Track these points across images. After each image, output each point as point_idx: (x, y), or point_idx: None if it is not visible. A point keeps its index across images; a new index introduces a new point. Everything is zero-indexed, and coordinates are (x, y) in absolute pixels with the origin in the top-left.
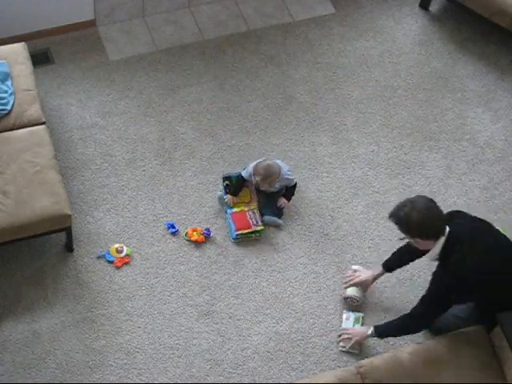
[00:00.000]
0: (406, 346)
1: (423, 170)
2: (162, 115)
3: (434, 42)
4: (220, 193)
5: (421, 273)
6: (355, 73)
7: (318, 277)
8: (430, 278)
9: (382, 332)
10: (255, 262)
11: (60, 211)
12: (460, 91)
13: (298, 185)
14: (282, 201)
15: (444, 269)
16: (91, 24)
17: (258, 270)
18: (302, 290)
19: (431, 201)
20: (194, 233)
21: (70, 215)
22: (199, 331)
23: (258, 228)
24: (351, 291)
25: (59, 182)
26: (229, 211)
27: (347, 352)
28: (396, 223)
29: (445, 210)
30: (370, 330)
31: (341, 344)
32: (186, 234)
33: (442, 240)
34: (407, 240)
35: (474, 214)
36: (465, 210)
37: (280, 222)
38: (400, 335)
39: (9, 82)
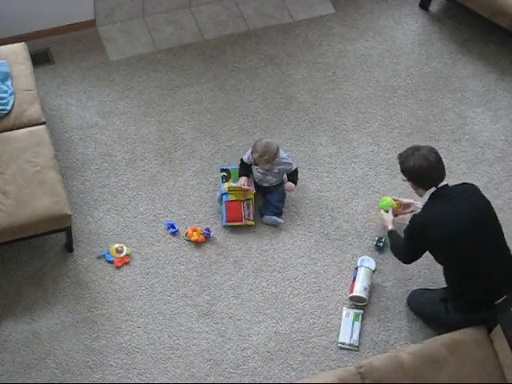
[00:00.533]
0: (406, 346)
1: None
2: (162, 115)
3: (434, 42)
4: (219, 194)
5: (421, 273)
6: (355, 73)
7: (318, 277)
8: (429, 278)
9: (391, 235)
10: (255, 262)
11: (60, 211)
12: (460, 91)
13: (298, 185)
14: (289, 185)
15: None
16: (91, 24)
17: (257, 270)
18: (302, 290)
19: (433, 152)
20: (194, 233)
21: (70, 215)
22: (199, 331)
23: (249, 223)
24: (360, 291)
25: (59, 182)
26: (224, 198)
27: (347, 350)
28: (399, 163)
29: None
30: (390, 227)
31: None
32: (185, 234)
33: (431, 190)
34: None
35: None
36: None
37: (280, 221)
38: (392, 250)
39: (9, 82)
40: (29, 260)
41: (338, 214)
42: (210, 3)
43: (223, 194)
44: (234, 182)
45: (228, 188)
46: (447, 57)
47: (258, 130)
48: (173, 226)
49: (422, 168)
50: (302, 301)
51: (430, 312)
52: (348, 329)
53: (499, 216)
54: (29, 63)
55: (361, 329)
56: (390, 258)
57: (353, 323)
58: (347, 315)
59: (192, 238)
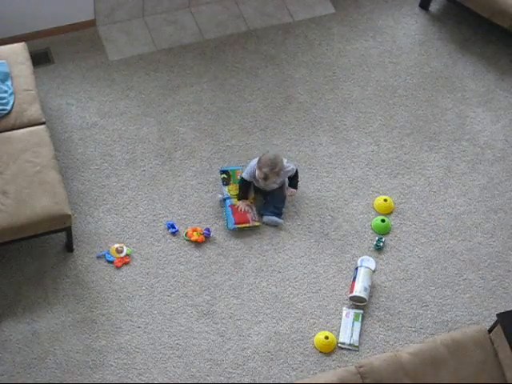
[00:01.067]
0: (406, 346)
1: (423, 170)
2: (162, 115)
3: (433, 42)
4: (220, 196)
5: (421, 273)
6: (355, 73)
7: (318, 277)
8: (430, 278)
9: None
10: (255, 262)
11: (60, 211)
12: (460, 91)
13: (298, 184)
14: (291, 191)
15: None
16: (91, 24)
17: (257, 270)
18: (302, 290)
19: None
20: (194, 233)
21: (70, 215)
22: (199, 331)
23: (256, 223)
24: (360, 291)
25: (59, 182)
26: (228, 202)
27: (347, 350)
28: None
29: (445, 209)
30: None
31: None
32: (185, 234)
33: None
34: None
35: (473, 214)
36: (465, 210)
37: (280, 221)
38: None
39: (9, 82)
40: (29, 260)
41: (338, 213)
42: (210, 3)
43: (226, 199)
44: (234, 182)
45: (230, 192)
46: (447, 57)
47: (257, 130)
48: (173, 226)
49: None
50: (301, 301)
51: None
52: (348, 329)
53: (499, 216)
54: (29, 63)
55: (361, 329)
56: (390, 258)
57: (353, 323)
58: (347, 315)
59: (192, 238)
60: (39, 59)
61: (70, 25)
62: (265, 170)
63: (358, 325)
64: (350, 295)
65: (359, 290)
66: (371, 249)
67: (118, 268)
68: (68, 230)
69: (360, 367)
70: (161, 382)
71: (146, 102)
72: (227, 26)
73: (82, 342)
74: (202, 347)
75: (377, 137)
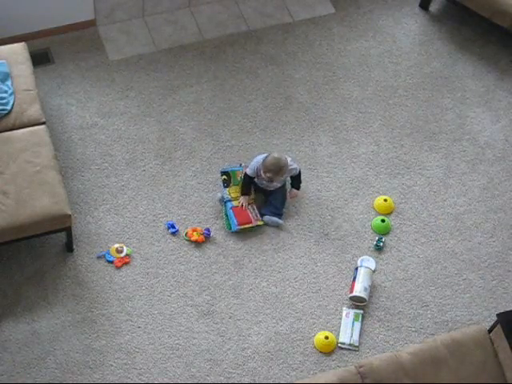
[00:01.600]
0: (406, 346)
1: (423, 170)
2: (162, 115)
3: (434, 42)
4: (220, 194)
5: (421, 273)
6: (355, 73)
7: (318, 277)
8: (430, 278)
9: None
10: (255, 262)
11: (60, 211)
12: (460, 91)
13: (300, 184)
14: (293, 192)
15: None
16: (91, 24)
17: (257, 270)
18: (302, 290)
19: None
20: (194, 233)
21: (70, 215)
22: (199, 331)
23: (259, 223)
24: (360, 291)
25: (59, 182)
26: (229, 204)
27: (347, 350)
28: None
29: (445, 209)
30: None
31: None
32: (185, 234)
33: None
34: None
35: (473, 214)
36: (465, 210)
37: (280, 221)
38: None
39: (9, 82)
40: (29, 260)
41: (338, 213)
42: (210, 3)
43: (227, 201)
44: (234, 184)
45: (231, 194)
46: (447, 57)
47: (257, 130)
48: (173, 226)
49: None
50: (301, 301)
51: None
52: (348, 329)
53: (499, 216)
54: (29, 63)
55: (361, 329)
56: (390, 258)
57: (353, 323)
58: (347, 315)
59: (192, 238)
60: (39, 59)
61: (69, 25)
62: (269, 174)
63: (357, 325)
64: (350, 295)
65: (359, 289)
66: (371, 249)
67: (117, 268)
68: (68, 230)
69: (360, 367)
70: (161, 382)
71: (146, 102)
72: (227, 26)
73: (81, 342)
74: (202, 347)
75: (377, 137)
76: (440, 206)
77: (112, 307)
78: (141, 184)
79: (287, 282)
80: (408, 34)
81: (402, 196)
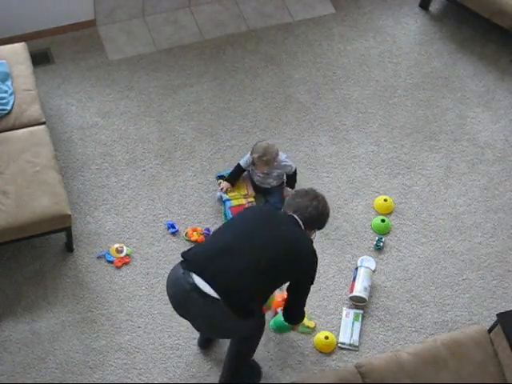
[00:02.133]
0: (406, 346)
1: (423, 170)
2: (162, 115)
3: (434, 42)
4: (219, 193)
5: (421, 273)
6: (355, 73)
7: (318, 277)
8: (430, 278)
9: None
10: None
11: (60, 211)
12: (460, 91)
13: (298, 184)
14: (287, 191)
15: None
16: (91, 24)
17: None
18: None
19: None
20: (194, 233)
21: (70, 215)
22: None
23: None
24: (360, 291)
25: (59, 182)
26: (228, 204)
27: (347, 350)
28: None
29: (445, 209)
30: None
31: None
32: (185, 234)
33: None
34: None
35: (473, 214)
36: (465, 210)
37: None
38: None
39: (9, 82)
40: (29, 260)
41: (338, 213)
42: (210, 3)
43: (226, 201)
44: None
45: (229, 194)
46: (447, 57)
47: (257, 130)
48: (173, 226)
49: None
50: None
51: None
52: (348, 329)
53: (499, 216)
54: (29, 63)
55: (361, 329)
56: (389, 258)
57: (353, 323)
58: (347, 315)
59: (192, 238)
60: (39, 59)
61: (70, 25)
62: (254, 155)
63: (357, 325)
64: (350, 295)
65: (359, 289)
66: (371, 249)
67: (117, 268)
68: (68, 230)
69: (360, 367)
70: (161, 382)
71: (146, 102)
72: (227, 26)
73: (81, 342)
74: None
75: (377, 137)
76: (440, 206)
77: (112, 307)
78: (141, 184)
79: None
80: (408, 34)
81: (401, 196)
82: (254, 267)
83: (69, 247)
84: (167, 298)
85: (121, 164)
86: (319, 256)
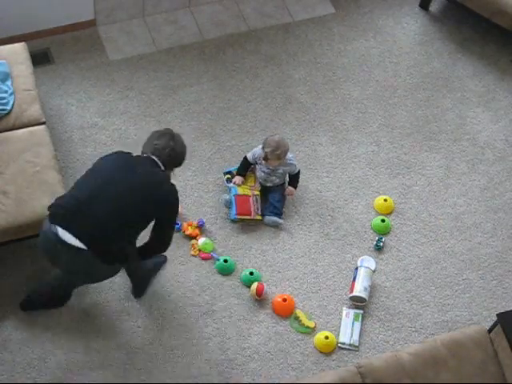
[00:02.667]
0: (406, 346)
1: (423, 169)
2: (162, 115)
3: (434, 42)
4: (227, 196)
5: (421, 273)
6: (355, 73)
7: (318, 277)
8: (430, 278)
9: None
10: (255, 262)
11: None
12: (460, 91)
13: (298, 184)
14: (289, 190)
15: None
16: (91, 24)
17: (257, 270)
18: (302, 290)
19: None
20: (189, 227)
21: None
22: (199, 331)
23: (257, 217)
24: (360, 291)
25: (59, 182)
26: (233, 191)
27: (347, 350)
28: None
29: (445, 209)
30: None
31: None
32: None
33: None
34: None
35: (473, 214)
36: (465, 210)
37: (280, 221)
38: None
39: (9, 82)
40: (29, 260)
41: (338, 213)
42: (210, 3)
43: (232, 188)
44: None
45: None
46: (447, 57)
47: (257, 130)
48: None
49: None
50: (301, 301)
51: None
52: (348, 329)
53: (499, 216)
54: (29, 63)
55: (361, 329)
56: (390, 258)
57: (353, 323)
58: (347, 315)
59: (187, 232)
60: (39, 59)
61: (70, 25)
62: (267, 150)
63: (357, 325)
64: (350, 295)
65: (359, 289)
66: (371, 249)
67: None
68: None
69: (360, 367)
70: (161, 381)
71: (146, 102)
72: (227, 26)
73: (82, 342)
74: (202, 347)
75: (377, 137)
76: (440, 206)
77: (112, 307)
78: None
79: (287, 282)
80: (408, 33)
81: (401, 196)
82: (117, 213)
83: None
84: (167, 297)
85: None
86: (319, 256)
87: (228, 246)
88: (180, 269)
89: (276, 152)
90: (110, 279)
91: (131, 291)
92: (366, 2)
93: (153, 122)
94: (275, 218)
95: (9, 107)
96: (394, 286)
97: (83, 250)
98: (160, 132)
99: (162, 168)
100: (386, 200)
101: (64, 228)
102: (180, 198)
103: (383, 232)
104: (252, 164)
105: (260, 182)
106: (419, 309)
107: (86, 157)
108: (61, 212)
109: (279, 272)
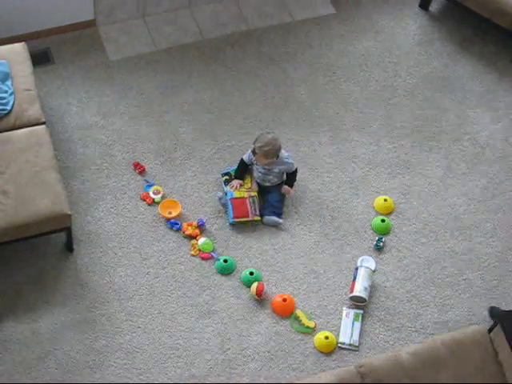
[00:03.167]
0: (406, 346)
1: (423, 170)
2: (162, 115)
3: (433, 42)
4: (220, 193)
5: (421, 273)
6: (355, 73)
7: (318, 277)
8: (430, 278)
9: None
10: (255, 262)
11: (60, 211)
12: (460, 91)
13: (298, 185)
14: (286, 189)
15: None
16: (91, 24)
17: (258, 270)
18: (302, 290)
19: None
20: (189, 227)
21: (70, 215)
22: (199, 331)
23: (255, 218)
24: (360, 291)
25: (59, 182)
26: (229, 194)
27: (347, 350)
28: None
29: (445, 209)
30: None
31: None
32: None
33: None
34: None
35: (473, 214)
36: (465, 210)
37: (280, 221)
38: None
39: (9, 82)
40: (29, 260)
41: (338, 213)
42: (210, 3)
43: (228, 192)
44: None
45: (234, 190)
46: (447, 57)
47: (257, 130)
48: (176, 223)
49: None
50: (301, 301)
51: None
52: (348, 329)
53: (499, 216)
54: (29, 63)
55: (361, 329)
56: (390, 258)
57: (353, 323)
58: (347, 315)
59: (187, 232)
60: (39, 59)
61: (70, 25)
62: (256, 144)
63: (357, 325)
64: (350, 295)
65: (359, 289)
66: (371, 249)
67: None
68: (68, 230)
69: (360, 367)
70: (161, 382)
71: (146, 102)
72: (227, 26)
73: (81, 342)
74: (202, 347)
75: (377, 137)
76: (440, 206)
77: (112, 307)
78: (140, 184)
79: (287, 282)
80: (408, 33)
81: (401, 196)
82: None
83: (69, 247)
84: (167, 297)
85: (121, 164)
86: (319, 256)
87: (228, 246)
88: (180, 269)
89: (264, 148)
90: (110, 279)
91: None
92: (367, 2)
93: (153, 122)
94: (275, 218)
95: (9, 107)
96: (393, 286)
97: None
98: None
99: None
100: (386, 200)
101: None
102: (180, 198)
103: (383, 232)
104: (249, 165)
105: (258, 182)
106: (419, 309)
107: (86, 157)
108: None
109: (279, 272)
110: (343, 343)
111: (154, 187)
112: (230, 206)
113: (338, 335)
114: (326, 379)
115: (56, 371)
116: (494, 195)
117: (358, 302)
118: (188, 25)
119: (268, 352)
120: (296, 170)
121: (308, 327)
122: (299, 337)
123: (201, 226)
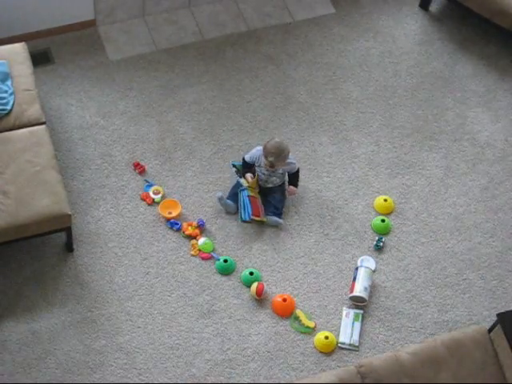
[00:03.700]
0: (406, 346)
1: (423, 170)
2: (162, 115)
3: (433, 42)
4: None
5: (421, 273)
6: (355, 73)
7: (318, 277)
8: (430, 278)
9: None
10: (255, 262)
11: (60, 211)
12: (460, 91)
13: (298, 182)
14: (291, 189)
15: None
16: (91, 24)
17: (258, 270)
18: (302, 290)
19: None
20: (189, 227)
21: (70, 215)
22: (199, 331)
23: (264, 219)
24: (360, 291)
25: (59, 181)
26: (245, 193)
27: (347, 350)
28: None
29: (445, 209)
30: None
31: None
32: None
33: None
34: None
35: (473, 214)
36: (465, 210)
37: (280, 221)
38: None
39: (9, 82)
40: (29, 260)
41: (338, 213)
42: (210, 3)
43: (242, 190)
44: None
45: (245, 184)
46: (447, 57)
47: (257, 130)
48: (176, 223)
49: None
50: (301, 301)
51: None
52: (348, 329)
53: (499, 216)
54: (29, 63)
55: (361, 329)
56: (390, 258)
57: (353, 323)
58: (347, 315)
59: (187, 232)
60: (39, 59)
61: (69, 25)
62: (271, 158)
63: (357, 325)
64: (350, 295)
65: (359, 289)
66: (371, 249)
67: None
68: (68, 230)
69: (360, 367)
70: (161, 382)
71: (146, 102)
72: (227, 26)
73: (81, 342)
74: (202, 347)
75: (377, 137)
76: (440, 206)
77: (112, 307)
78: (140, 184)
79: (287, 282)
80: (408, 33)
81: (401, 196)
82: None
83: (69, 247)
84: (167, 297)
85: (121, 164)
86: (319, 256)
87: (228, 246)
88: (180, 269)
89: (282, 155)
90: (110, 279)
91: None
92: (366, 2)
93: (153, 122)
94: (275, 219)
95: (9, 107)
96: (393, 286)
97: None
98: None
99: None
100: (386, 200)
101: None
102: (180, 198)
103: (383, 232)
104: (252, 165)
105: (259, 184)
106: (419, 309)
107: (86, 157)
108: None
109: (279, 272)
110: (343, 343)
111: (154, 187)
112: (247, 203)
113: (338, 335)
114: (325, 379)
115: (56, 371)
116: (494, 195)
117: (357, 302)
118: (188, 25)
119: (268, 352)
120: (298, 170)
121: (308, 327)
122: (299, 337)
123: (201, 226)
